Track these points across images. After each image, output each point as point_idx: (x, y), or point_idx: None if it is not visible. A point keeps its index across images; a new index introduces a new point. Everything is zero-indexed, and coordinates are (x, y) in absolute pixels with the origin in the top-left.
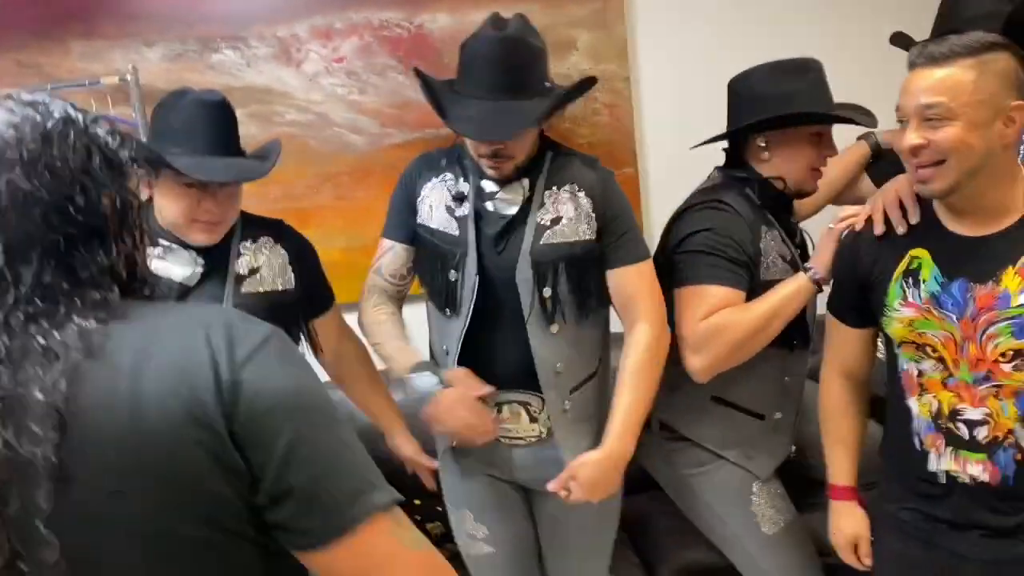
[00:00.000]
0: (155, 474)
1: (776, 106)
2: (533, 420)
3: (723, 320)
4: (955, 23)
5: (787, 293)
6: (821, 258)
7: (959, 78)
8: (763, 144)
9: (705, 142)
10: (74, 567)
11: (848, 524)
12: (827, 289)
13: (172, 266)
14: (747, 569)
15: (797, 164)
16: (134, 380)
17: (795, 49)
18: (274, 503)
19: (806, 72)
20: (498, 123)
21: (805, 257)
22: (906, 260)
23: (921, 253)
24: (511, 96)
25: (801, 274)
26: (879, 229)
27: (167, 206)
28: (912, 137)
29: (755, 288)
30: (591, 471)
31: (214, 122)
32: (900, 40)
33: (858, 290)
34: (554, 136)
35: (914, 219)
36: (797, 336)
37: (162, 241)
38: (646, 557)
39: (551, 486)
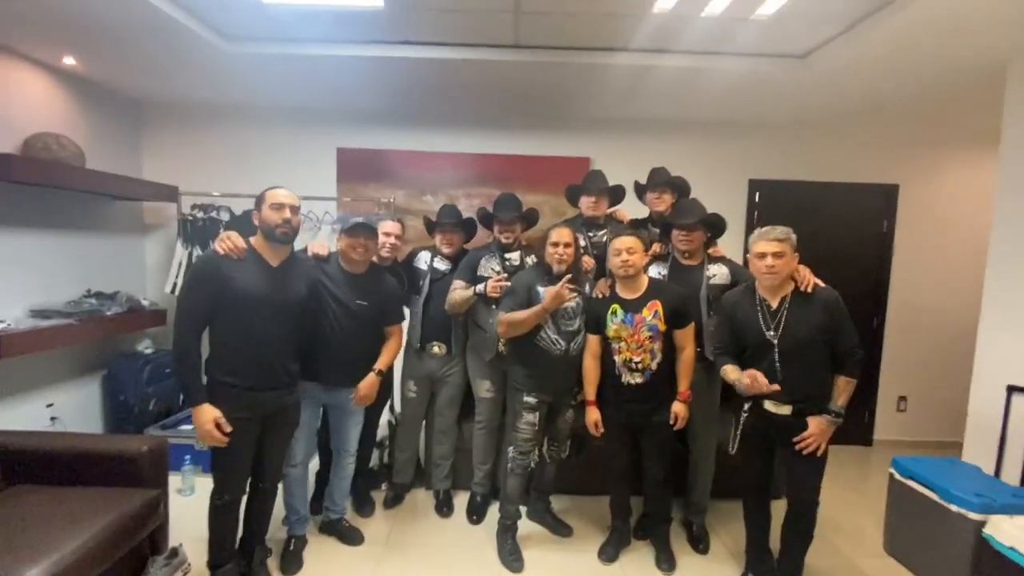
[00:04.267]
0: None
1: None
2: None
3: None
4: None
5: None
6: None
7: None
8: None
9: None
10: None
11: (593, 415)
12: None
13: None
14: None
15: None
16: None
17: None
18: None
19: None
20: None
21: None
22: (612, 307)
23: (616, 306)
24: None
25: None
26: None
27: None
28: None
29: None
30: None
31: (453, 210)
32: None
33: (596, 321)
34: None
35: (607, 293)
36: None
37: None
38: None
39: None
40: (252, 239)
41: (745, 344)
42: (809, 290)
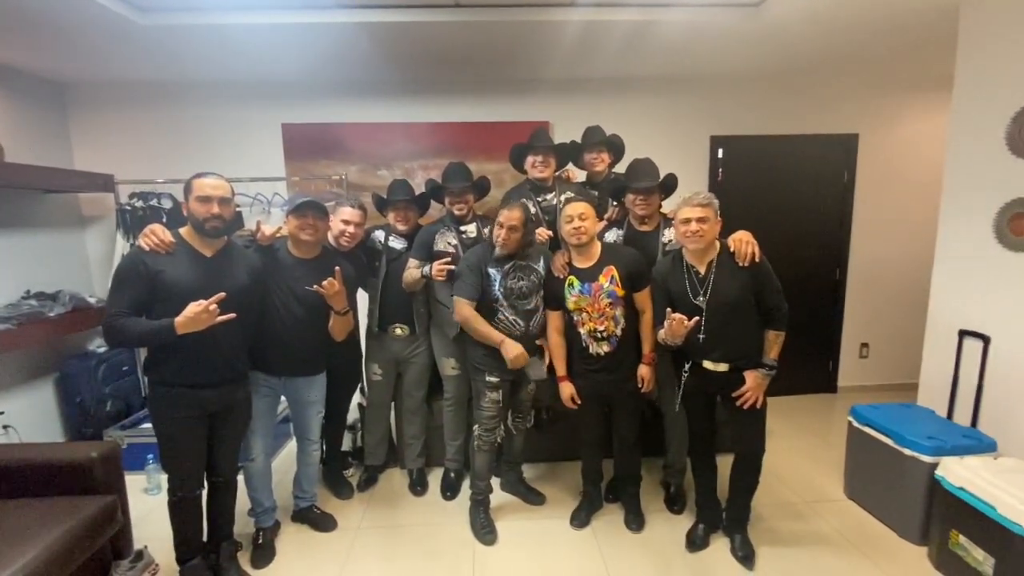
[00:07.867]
0: None
1: None
2: None
3: None
4: (636, 179)
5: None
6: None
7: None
8: None
9: None
10: None
11: (567, 389)
12: None
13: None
14: None
15: None
16: None
17: None
18: None
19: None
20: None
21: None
22: (568, 279)
23: (572, 278)
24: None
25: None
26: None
27: (390, 217)
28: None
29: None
30: None
31: (404, 185)
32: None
33: (555, 297)
34: None
35: (567, 272)
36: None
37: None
38: None
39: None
40: (182, 229)
41: (679, 311)
42: (746, 264)
